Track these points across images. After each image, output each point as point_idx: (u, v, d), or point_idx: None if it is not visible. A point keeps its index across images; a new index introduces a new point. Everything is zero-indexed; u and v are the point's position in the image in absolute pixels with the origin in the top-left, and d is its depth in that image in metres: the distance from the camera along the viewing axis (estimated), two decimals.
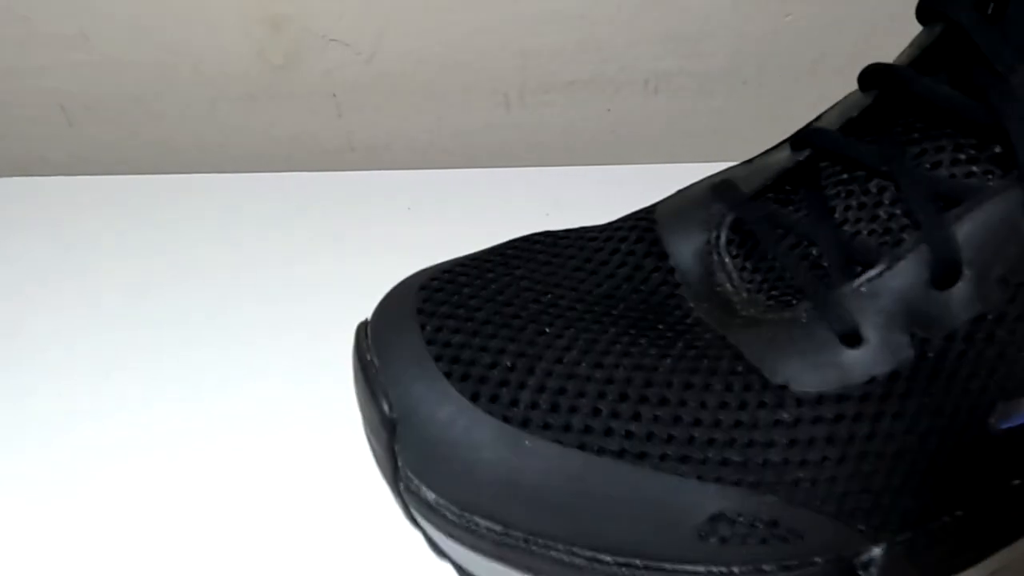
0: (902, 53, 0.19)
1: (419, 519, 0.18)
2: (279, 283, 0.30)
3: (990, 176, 0.17)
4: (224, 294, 0.30)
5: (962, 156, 0.17)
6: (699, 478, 0.16)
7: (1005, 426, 0.17)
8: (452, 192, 0.33)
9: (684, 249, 0.19)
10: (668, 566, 0.17)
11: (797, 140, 0.20)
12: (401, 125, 0.35)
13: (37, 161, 0.36)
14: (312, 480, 0.23)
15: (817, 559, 0.17)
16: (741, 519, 0.16)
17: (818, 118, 0.20)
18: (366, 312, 0.20)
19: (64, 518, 0.23)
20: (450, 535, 0.18)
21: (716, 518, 0.16)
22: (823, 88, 0.30)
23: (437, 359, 0.17)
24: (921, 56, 0.18)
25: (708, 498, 0.16)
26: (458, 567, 0.19)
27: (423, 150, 0.35)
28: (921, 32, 0.19)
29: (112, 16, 0.32)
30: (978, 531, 0.18)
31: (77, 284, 0.30)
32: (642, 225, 0.20)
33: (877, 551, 0.17)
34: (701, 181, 0.22)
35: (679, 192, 0.22)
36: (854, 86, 0.21)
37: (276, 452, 0.24)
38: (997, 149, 0.17)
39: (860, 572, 0.17)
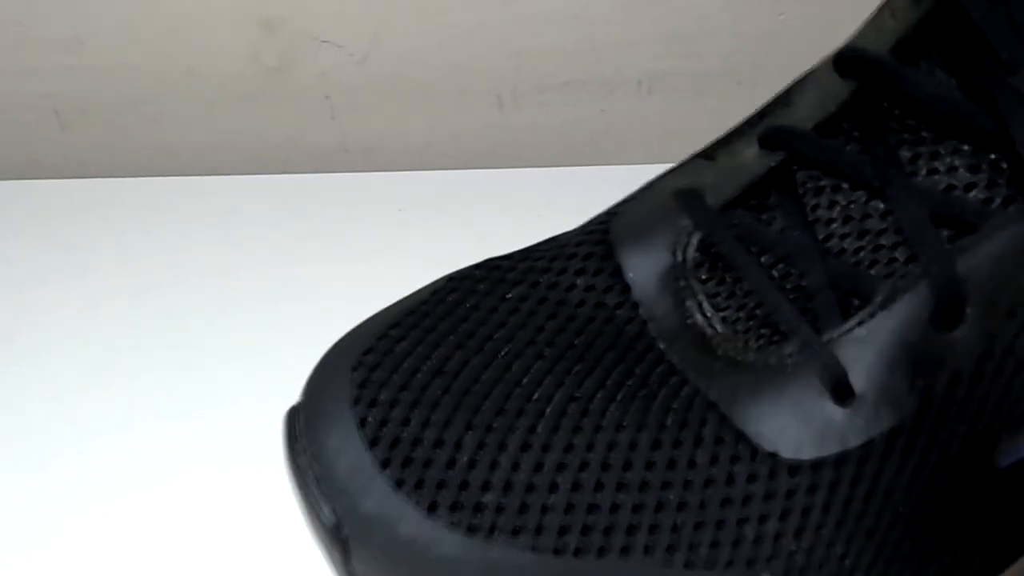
0: (883, 25, 0.17)
1: None
2: (276, 285, 0.30)
3: (997, 196, 0.15)
4: (221, 296, 0.29)
5: (965, 170, 0.15)
6: (687, 566, 0.15)
7: (1008, 462, 0.16)
8: (446, 193, 0.33)
9: (647, 275, 0.17)
10: None
11: (767, 138, 0.17)
12: (395, 127, 0.35)
13: (31, 164, 0.36)
14: None
15: None
16: None
17: (787, 101, 0.18)
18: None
19: (64, 520, 0.23)
20: None
21: None
22: None
23: (384, 465, 0.15)
24: (909, 35, 0.16)
25: None
26: None
27: (417, 152, 0.35)
28: (900, 4, 0.17)
29: (105, 20, 0.32)
30: (978, 563, 0.17)
31: (73, 287, 0.30)
32: (599, 251, 0.18)
33: None
34: (662, 181, 0.19)
35: (636, 198, 0.19)
36: None
37: (268, 454, 0.24)
38: (1004, 164, 0.15)
39: None
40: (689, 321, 0.17)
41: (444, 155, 0.36)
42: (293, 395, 0.26)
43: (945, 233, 0.15)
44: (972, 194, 0.15)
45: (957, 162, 0.15)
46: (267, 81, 0.34)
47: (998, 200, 0.15)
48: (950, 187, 0.15)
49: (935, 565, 0.16)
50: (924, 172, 0.16)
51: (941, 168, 0.16)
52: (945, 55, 0.16)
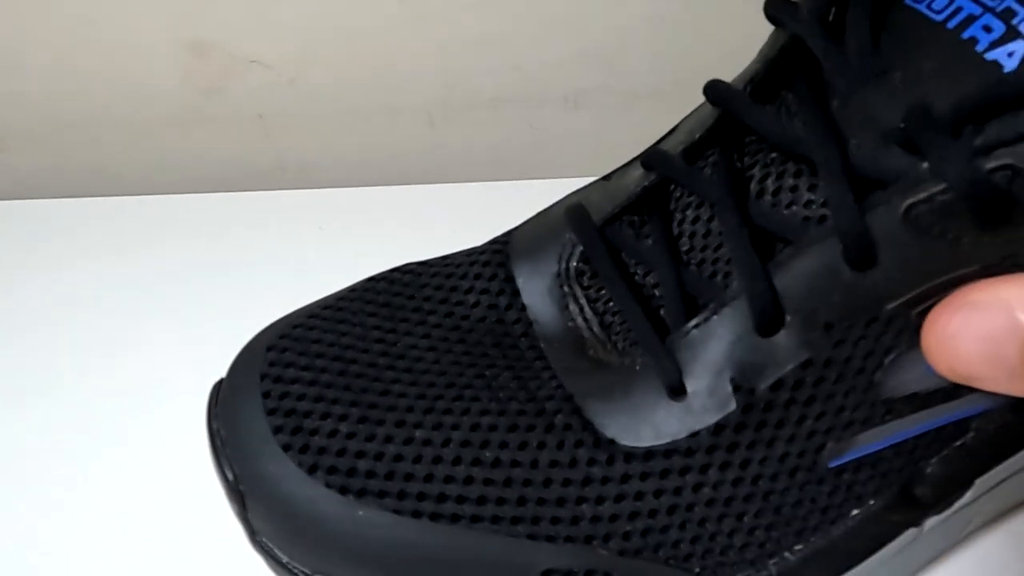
0: (754, 62, 0.19)
1: (275, 572, 0.19)
2: (217, 303, 0.30)
3: (819, 212, 0.16)
4: (159, 312, 0.30)
5: (805, 190, 0.16)
6: (530, 537, 0.17)
7: (836, 464, 0.17)
8: (373, 209, 0.34)
9: (535, 283, 0.19)
10: None
11: (646, 161, 0.19)
12: (329, 145, 0.36)
13: None
14: None
15: None
16: (574, 573, 0.17)
17: (675, 128, 0.20)
18: None
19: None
20: None
21: (549, 573, 0.17)
22: None
23: (277, 431, 0.17)
24: (766, 71, 0.18)
25: (540, 556, 0.17)
26: None
27: (352, 169, 0.36)
28: (770, 36, 0.19)
29: (42, 46, 0.33)
30: (822, 563, 0.18)
31: (14, 307, 0.31)
32: (496, 259, 0.20)
33: None
34: (558, 203, 0.21)
35: (535, 217, 0.21)
36: None
37: (187, 473, 0.25)
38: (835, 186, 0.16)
39: None
40: (570, 324, 0.18)
41: (379, 172, 0.36)
42: None
43: (777, 246, 0.16)
44: (806, 212, 0.16)
45: (799, 183, 0.17)
46: (201, 103, 0.34)
47: (814, 224, 0.16)
48: (790, 205, 0.17)
49: (775, 559, 0.17)
50: (770, 192, 0.17)
51: (785, 187, 0.17)
52: (799, 88, 0.17)
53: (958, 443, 0.17)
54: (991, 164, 0.14)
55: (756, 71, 0.18)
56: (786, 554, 0.17)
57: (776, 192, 0.17)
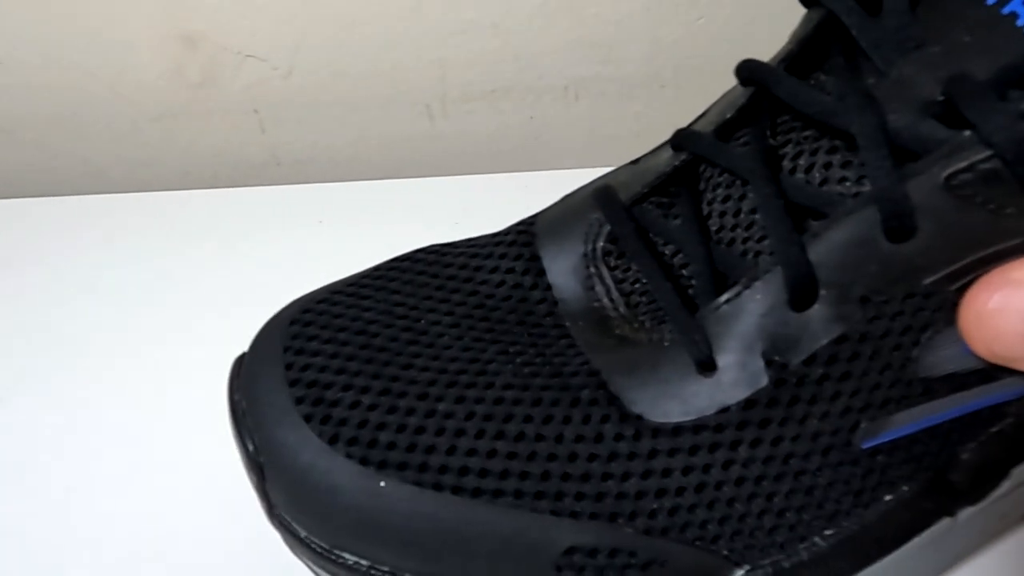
0: (788, 42, 0.18)
1: (291, 549, 0.18)
2: (216, 300, 0.30)
3: (853, 189, 0.16)
4: (162, 314, 0.30)
5: (834, 162, 0.16)
6: (553, 513, 0.16)
7: (869, 445, 0.16)
8: (379, 202, 0.33)
9: (561, 263, 0.19)
10: None
11: (676, 142, 0.19)
12: (325, 138, 0.35)
13: None
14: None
15: None
16: (598, 551, 0.16)
17: (706, 111, 0.20)
18: None
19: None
20: (320, 567, 0.18)
21: (572, 551, 0.16)
22: None
23: (298, 401, 0.17)
24: (800, 50, 0.17)
25: (563, 532, 0.16)
26: None
27: (349, 163, 0.35)
28: (803, 18, 0.18)
29: (26, 40, 0.32)
30: (852, 550, 0.17)
31: (6, 308, 0.30)
32: (522, 239, 0.20)
33: (740, 573, 0.17)
34: (585, 186, 0.21)
35: (561, 200, 0.21)
36: None
37: (186, 469, 0.24)
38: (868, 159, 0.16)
39: None
40: (596, 304, 0.18)
41: (376, 165, 0.36)
42: (220, 390, 0.26)
43: (809, 222, 0.16)
44: (840, 187, 0.16)
45: (833, 158, 0.16)
46: (192, 96, 0.33)
47: (851, 195, 0.16)
48: (824, 181, 0.16)
49: (804, 544, 0.17)
50: (804, 167, 0.17)
51: (819, 163, 0.17)
52: (833, 66, 0.17)
53: (995, 429, 0.17)
54: None
55: (790, 50, 0.18)
56: (816, 539, 0.17)
57: (809, 168, 0.17)
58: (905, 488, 0.17)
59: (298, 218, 0.33)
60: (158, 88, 0.33)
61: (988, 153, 0.14)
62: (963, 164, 0.14)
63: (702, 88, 0.34)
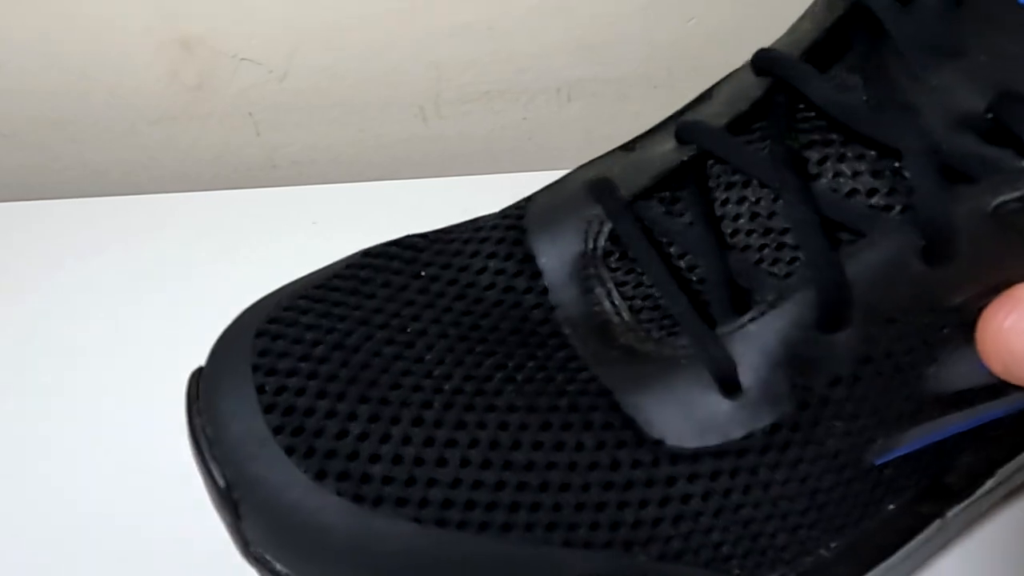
0: (801, 27, 0.17)
1: None
2: (211, 303, 0.30)
3: (896, 204, 0.15)
4: (157, 316, 0.30)
5: (868, 175, 0.15)
6: (565, 544, 0.15)
7: (881, 461, 0.16)
8: (375, 204, 0.33)
9: (557, 263, 0.17)
10: None
11: (681, 132, 0.18)
12: (320, 141, 0.35)
13: None
14: None
15: None
16: None
17: (708, 95, 0.19)
18: None
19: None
20: None
21: None
22: None
23: (276, 431, 0.15)
24: (821, 39, 0.16)
25: (576, 563, 0.16)
26: None
27: (344, 164, 0.36)
28: (822, 3, 0.17)
29: (22, 43, 0.32)
30: (854, 559, 0.17)
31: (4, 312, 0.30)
32: (511, 237, 0.18)
33: None
34: (575, 173, 0.19)
35: (550, 188, 0.19)
36: None
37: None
38: (905, 172, 0.15)
39: None
40: (596, 308, 0.17)
41: (371, 166, 0.36)
42: None
43: (843, 237, 0.15)
44: (872, 200, 0.15)
45: (862, 167, 0.15)
46: (189, 100, 0.34)
47: (896, 208, 0.15)
48: (853, 192, 0.15)
49: (811, 557, 0.17)
50: (830, 175, 0.16)
51: (847, 172, 0.16)
52: (856, 61, 0.16)
53: (993, 434, 0.17)
54: None
55: (812, 40, 0.16)
56: (821, 551, 0.17)
57: (836, 176, 0.16)
58: (907, 495, 0.17)
59: (294, 220, 0.33)
60: (156, 92, 0.33)
61: None
62: (1016, 195, 0.14)
63: (696, 89, 0.34)
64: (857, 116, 0.15)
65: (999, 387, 0.15)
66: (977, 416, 0.16)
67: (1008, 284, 0.14)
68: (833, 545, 0.17)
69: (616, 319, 0.17)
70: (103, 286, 0.31)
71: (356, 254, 0.19)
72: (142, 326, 0.29)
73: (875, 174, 0.15)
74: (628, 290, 0.17)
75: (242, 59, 0.33)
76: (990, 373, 0.15)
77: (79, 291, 0.31)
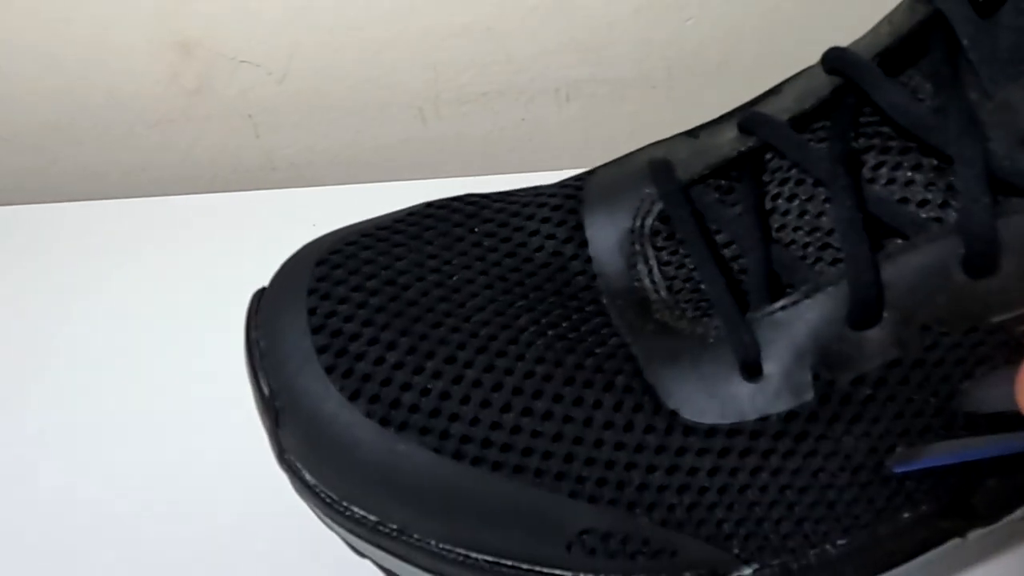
0: (879, 29, 0.17)
1: (298, 493, 0.18)
2: (211, 305, 0.30)
3: (936, 219, 0.15)
4: (157, 320, 0.30)
5: (922, 185, 0.15)
6: (572, 495, 0.16)
7: (901, 471, 0.16)
8: (374, 205, 0.33)
9: (606, 235, 0.18)
10: (538, 568, 0.17)
11: (745, 123, 0.18)
12: (319, 142, 0.35)
13: None
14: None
15: (688, 574, 0.17)
16: (611, 535, 0.16)
17: (778, 89, 0.19)
18: None
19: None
20: (326, 515, 0.18)
21: (586, 532, 0.16)
22: (732, 87, 0.31)
23: (320, 351, 0.17)
24: (895, 45, 0.16)
25: (580, 515, 0.16)
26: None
27: (343, 166, 0.36)
28: (903, 7, 0.17)
29: (21, 47, 0.32)
30: (862, 561, 0.17)
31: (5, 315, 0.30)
32: (568, 206, 0.19)
33: (748, 571, 0.17)
34: (645, 151, 0.20)
35: (613, 164, 0.20)
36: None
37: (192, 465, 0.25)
38: (953, 187, 0.15)
39: None
40: (636, 283, 0.17)
41: (370, 168, 0.36)
42: (217, 397, 0.26)
43: (885, 240, 0.15)
44: (921, 210, 0.15)
45: (917, 177, 0.16)
46: (188, 102, 0.34)
47: (935, 218, 0.15)
48: (904, 200, 0.15)
49: (816, 551, 0.17)
50: (883, 181, 0.16)
51: (900, 179, 0.16)
52: (931, 67, 0.16)
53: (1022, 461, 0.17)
54: None
55: (887, 44, 0.16)
56: (828, 547, 0.17)
57: (890, 182, 0.16)
58: (924, 507, 0.17)
59: (293, 222, 0.33)
60: (154, 94, 0.33)
61: None
62: None
63: (693, 88, 0.34)
64: (919, 122, 0.15)
65: None
66: (1008, 443, 0.16)
67: None
68: (840, 543, 0.17)
69: (654, 296, 0.17)
70: (103, 289, 0.31)
71: (419, 205, 0.20)
72: (142, 329, 0.29)
73: (928, 185, 0.15)
74: (670, 270, 0.17)
75: (241, 61, 0.33)
76: None
77: (79, 294, 0.31)
